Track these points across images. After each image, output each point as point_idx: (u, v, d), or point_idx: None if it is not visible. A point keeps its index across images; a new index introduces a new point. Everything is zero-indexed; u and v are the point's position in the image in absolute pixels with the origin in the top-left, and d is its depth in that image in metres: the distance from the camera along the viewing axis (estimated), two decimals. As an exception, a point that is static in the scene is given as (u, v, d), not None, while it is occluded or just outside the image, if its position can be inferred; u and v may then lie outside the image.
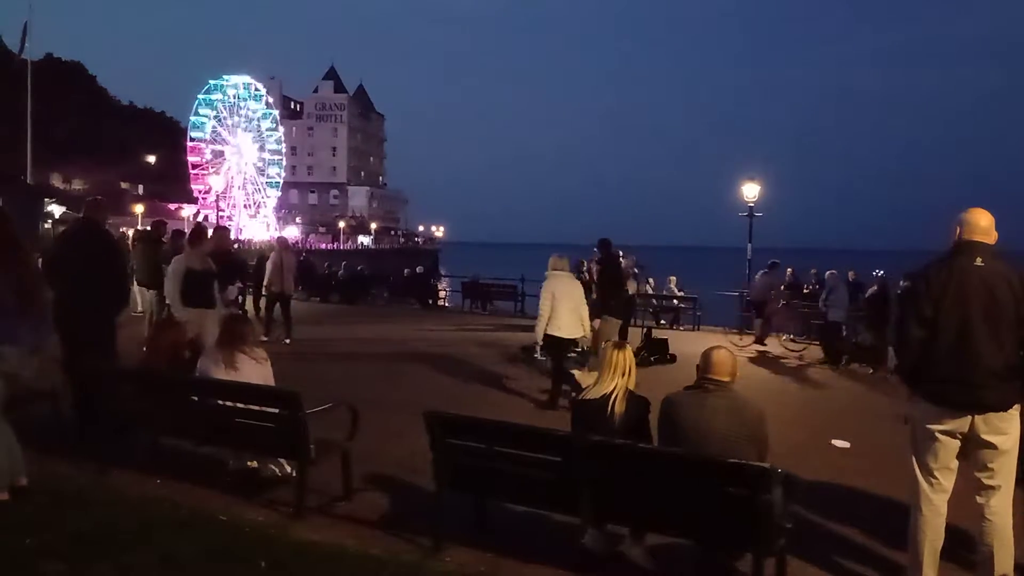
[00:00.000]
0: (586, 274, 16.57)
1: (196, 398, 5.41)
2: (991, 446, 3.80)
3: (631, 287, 13.74)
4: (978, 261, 3.80)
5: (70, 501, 4.79)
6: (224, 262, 8.68)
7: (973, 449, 3.86)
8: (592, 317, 9.41)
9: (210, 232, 9.00)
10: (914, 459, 3.99)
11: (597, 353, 9.91)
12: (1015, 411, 3.82)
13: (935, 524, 3.90)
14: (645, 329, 14.33)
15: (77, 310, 6.03)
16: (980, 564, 3.93)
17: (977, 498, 3.90)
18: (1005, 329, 3.73)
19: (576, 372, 9.05)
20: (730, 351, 4.40)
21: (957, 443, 3.87)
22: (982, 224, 3.89)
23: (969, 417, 3.79)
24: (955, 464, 3.93)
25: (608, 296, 10.25)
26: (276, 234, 71.16)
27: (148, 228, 14.69)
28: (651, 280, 20.05)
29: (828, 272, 14.59)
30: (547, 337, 8.56)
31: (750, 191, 19.73)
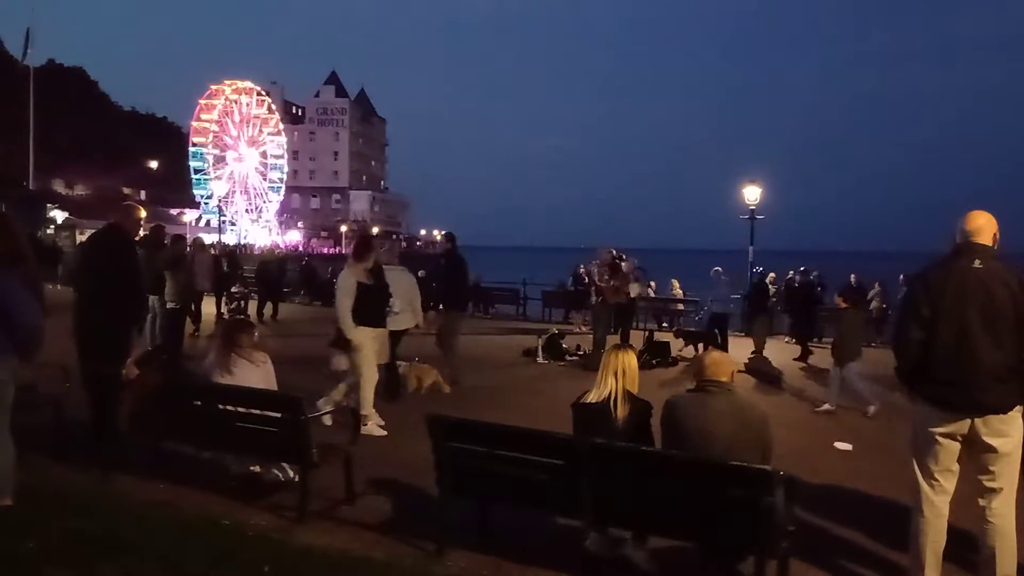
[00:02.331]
0: (585, 276, 16.57)
1: (199, 403, 5.42)
2: (992, 449, 3.79)
3: (633, 290, 13.75)
4: (977, 263, 3.79)
5: (73, 506, 4.79)
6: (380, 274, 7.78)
7: (974, 452, 3.86)
8: (434, 308, 9.79)
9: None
10: (915, 461, 3.98)
11: (440, 345, 9.96)
12: (1016, 413, 3.81)
13: (937, 526, 3.90)
14: (647, 332, 14.34)
15: (94, 318, 5.97)
16: (982, 566, 3.92)
17: (979, 500, 3.89)
18: (1004, 331, 3.72)
19: (402, 364, 9.04)
20: (723, 353, 4.36)
21: (958, 445, 3.87)
22: (981, 226, 3.88)
23: (969, 420, 3.78)
24: (956, 467, 3.92)
25: (448, 289, 10.20)
26: (279, 239, 71.20)
27: (147, 232, 14.69)
28: (652, 283, 20.03)
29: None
30: None
31: (751, 194, 19.71)
